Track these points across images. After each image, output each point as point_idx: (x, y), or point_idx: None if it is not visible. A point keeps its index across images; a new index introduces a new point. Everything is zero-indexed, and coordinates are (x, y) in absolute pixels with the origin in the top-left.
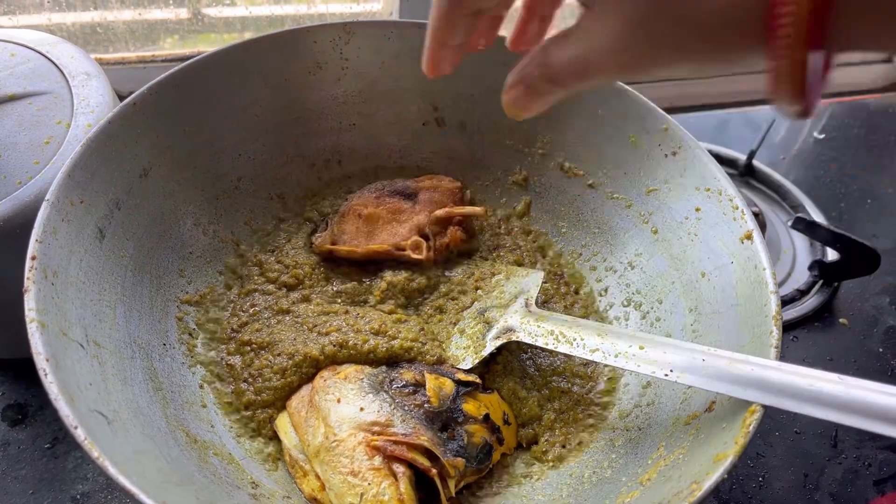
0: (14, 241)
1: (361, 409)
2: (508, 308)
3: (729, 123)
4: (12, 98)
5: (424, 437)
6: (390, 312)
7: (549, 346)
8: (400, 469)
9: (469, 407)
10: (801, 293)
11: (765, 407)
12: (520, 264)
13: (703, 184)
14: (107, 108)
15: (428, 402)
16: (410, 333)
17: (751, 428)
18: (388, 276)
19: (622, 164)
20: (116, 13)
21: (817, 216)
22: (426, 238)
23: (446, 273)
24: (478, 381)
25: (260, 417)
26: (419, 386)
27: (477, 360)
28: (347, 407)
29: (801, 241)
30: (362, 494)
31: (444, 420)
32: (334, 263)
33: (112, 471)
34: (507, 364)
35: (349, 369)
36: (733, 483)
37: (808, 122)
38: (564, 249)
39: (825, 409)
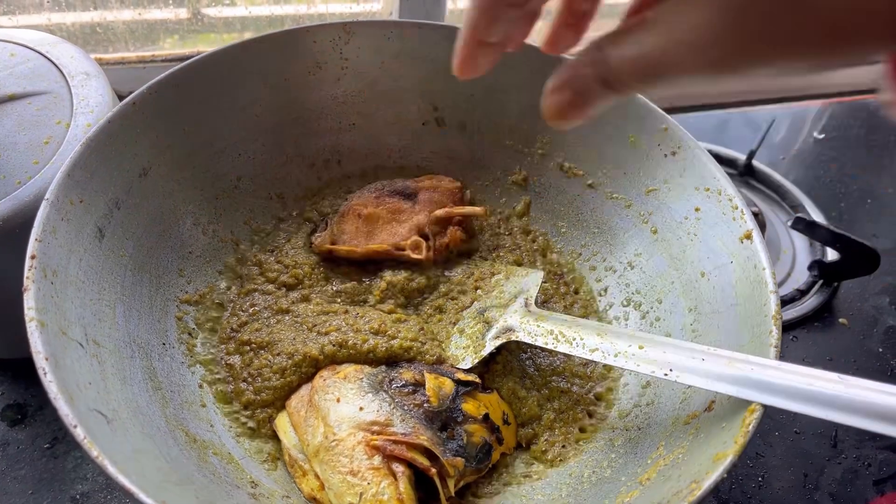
0: (14, 241)
1: (361, 408)
2: (508, 308)
3: (729, 123)
4: (12, 98)
5: (424, 437)
6: (390, 312)
7: (549, 346)
8: (399, 468)
9: (468, 406)
10: (801, 293)
11: (764, 406)
12: (519, 264)
13: (702, 184)
14: (106, 107)
15: (427, 401)
16: (410, 333)
17: (750, 427)
18: (388, 275)
19: (622, 163)
20: (116, 13)
21: (817, 216)
22: (426, 238)
23: (446, 273)
24: (477, 380)
25: (259, 417)
26: (419, 385)
27: (476, 360)
28: (347, 406)
29: (800, 241)
30: (361, 494)
31: (443, 420)
32: (334, 263)
33: (111, 470)
34: (507, 364)
35: (349, 369)
36: (733, 483)
37: (807, 122)
38: (564, 249)
39: (825, 408)
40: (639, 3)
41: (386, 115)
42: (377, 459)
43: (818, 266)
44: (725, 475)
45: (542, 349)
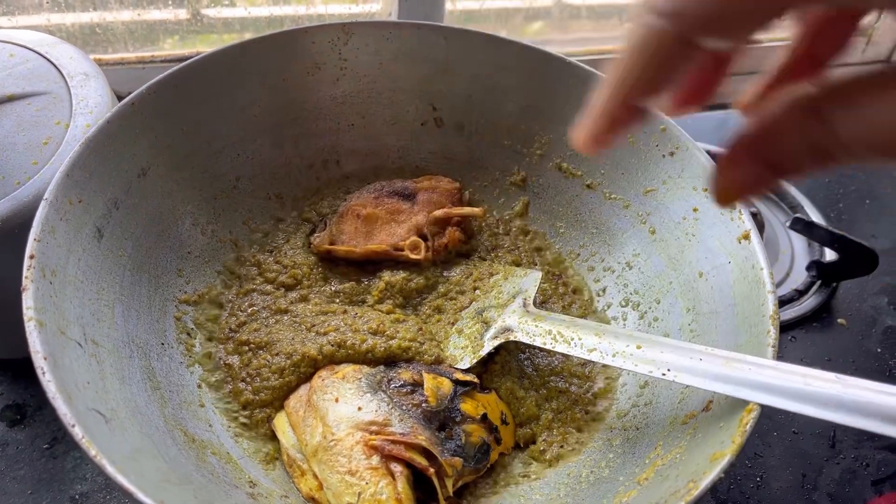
0: (13, 241)
1: (359, 408)
2: (506, 308)
3: (728, 123)
4: (11, 98)
5: (422, 437)
6: (388, 312)
7: (547, 346)
8: (398, 468)
9: (467, 406)
10: (800, 293)
11: (762, 406)
12: (518, 264)
13: (700, 184)
14: (105, 108)
15: (426, 401)
16: (408, 333)
17: (748, 427)
18: (387, 276)
19: (620, 164)
20: (115, 14)
21: (816, 216)
22: (424, 238)
23: (444, 273)
24: (476, 380)
25: (258, 417)
26: (417, 385)
27: (475, 360)
28: (345, 406)
29: (799, 241)
30: (360, 494)
31: (441, 419)
32: (332, 263)
33: (110, 469)
34: (505, 364)
35: (347, 369)
36: (731, 483)
37: None
38: (562, 250)
39: (823, 408)
40: (799, 58)
41: (385, 116)
42: (375, 459)
43: (816, 266)
44: (723, 475)
45: (541, 349)
